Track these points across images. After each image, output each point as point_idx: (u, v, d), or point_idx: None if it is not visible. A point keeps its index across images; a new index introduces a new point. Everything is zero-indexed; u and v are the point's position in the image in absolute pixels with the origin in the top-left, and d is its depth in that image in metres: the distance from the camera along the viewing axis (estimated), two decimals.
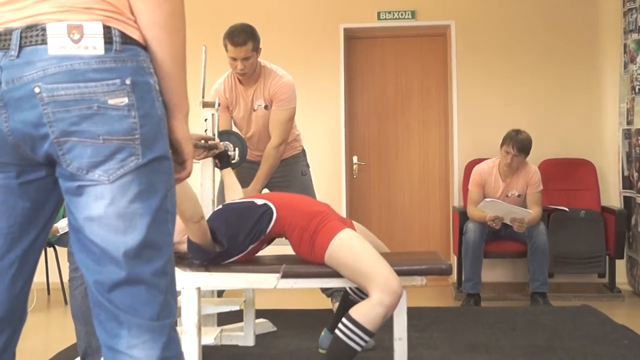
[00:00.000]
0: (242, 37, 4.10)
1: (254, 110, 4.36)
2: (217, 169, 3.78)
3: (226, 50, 4.16)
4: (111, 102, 1.41)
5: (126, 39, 1.44)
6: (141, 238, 1.45)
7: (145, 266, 1.47)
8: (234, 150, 3.79)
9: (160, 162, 1.49)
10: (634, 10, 5.45)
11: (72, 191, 1.45)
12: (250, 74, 4.25)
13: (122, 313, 1.47)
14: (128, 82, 1.42)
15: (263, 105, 4.34)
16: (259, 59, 4.28)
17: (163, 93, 1.53)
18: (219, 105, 3.83)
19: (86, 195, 1.43)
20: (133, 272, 1.45)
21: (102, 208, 1.43)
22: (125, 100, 1.42)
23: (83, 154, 1.41)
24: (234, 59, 4.16)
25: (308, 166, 4.67)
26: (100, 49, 1.40)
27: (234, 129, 4.41)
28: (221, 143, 3.66)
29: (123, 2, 1.47)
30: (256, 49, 4.18)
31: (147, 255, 1.47)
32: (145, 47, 1.49)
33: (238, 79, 4.34)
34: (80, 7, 1.42)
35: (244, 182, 4.10)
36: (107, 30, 1.42)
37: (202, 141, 3.49)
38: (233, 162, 3.74)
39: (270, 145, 4.31)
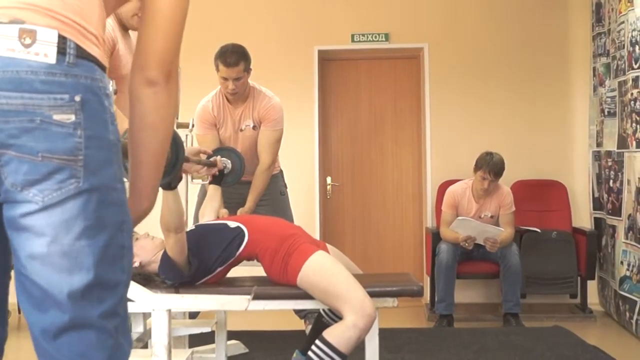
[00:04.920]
0: (234, 57, 4.10)
1: (241, 130, 4.34)
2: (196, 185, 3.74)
3: (217, 70, 4.15)
4: (56, 117, 1.27)
5: (82, 53, 1.31)
6: (89, 278, 1.31)
7: (92, 308, 1.33)
8: (232, 167, 3.71)
9: (107, 193, 1.34)
10: (602, 35, 5.54)
11: (13, 225, 1.31)
12: (240, 94, 4.25)
13: None
14: (77, 99, 1.29)
15: (251, 125, 4.32)
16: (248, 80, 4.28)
17: (135, 180, 1.51)
18: (192, 126, 3.82)
19: (27, 230, 1.29)
20: (78, 315, 1.31)
21: (45, 246, 1.28)
22: (72, 117, 1.28)
23: (18, 170, 1.26)
24: (225, 79, 4.15)
25: (286, 186, 4.66)
26: (51, 58, 1.27)
27: None
28: (221, 159, 3.59)
29: (91, 16, 1.36)
30: (247, 70, 4.18)
31: (95, 296, 1.33)
32: (103, 67, 1.37)
33: (226, 98, 4.33)
34: (42, 7, 1.29)
35: (227, 203, 4.09)
36: (62, 40, 1.28)
37: (203, 156, 3.44)
38: (227, 177, 3.69)
39: (261, 167, 4.30)
